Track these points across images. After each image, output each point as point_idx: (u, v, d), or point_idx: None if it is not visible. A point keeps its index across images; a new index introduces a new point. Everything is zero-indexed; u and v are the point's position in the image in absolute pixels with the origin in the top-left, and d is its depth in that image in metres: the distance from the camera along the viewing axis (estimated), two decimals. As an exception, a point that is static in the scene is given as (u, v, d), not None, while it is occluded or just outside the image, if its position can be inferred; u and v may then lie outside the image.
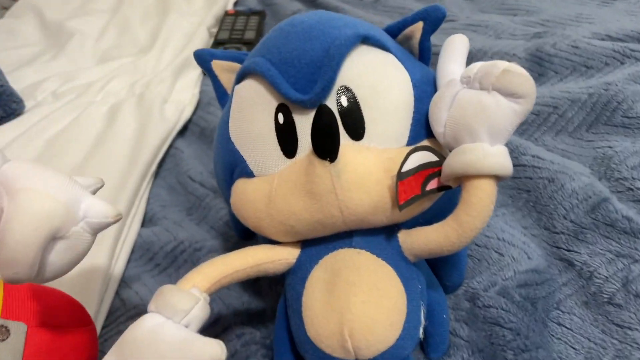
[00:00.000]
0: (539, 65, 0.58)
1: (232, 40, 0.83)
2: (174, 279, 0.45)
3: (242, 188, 0.32)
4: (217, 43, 0.82)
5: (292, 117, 0.30)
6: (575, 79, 0.55)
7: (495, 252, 0.39)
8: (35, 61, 0.76)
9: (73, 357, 0.34)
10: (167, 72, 0.70)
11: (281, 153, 0.31)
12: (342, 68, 0.30)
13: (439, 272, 0.37)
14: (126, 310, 0.42)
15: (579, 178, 0.41)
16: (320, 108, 0.27)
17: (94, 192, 0.30)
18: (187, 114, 0.65)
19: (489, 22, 0.70)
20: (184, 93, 0.68)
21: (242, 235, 0.46)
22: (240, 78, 0.33)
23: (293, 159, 0.30)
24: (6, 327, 0.31)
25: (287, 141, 0.30)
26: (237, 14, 0.92)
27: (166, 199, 0.54)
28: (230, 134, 0.33)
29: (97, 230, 0.28)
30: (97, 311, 0.42)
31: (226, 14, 0.91)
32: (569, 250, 0.38)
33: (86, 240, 0.28)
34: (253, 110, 0.32)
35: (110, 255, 0.45)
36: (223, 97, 0.37)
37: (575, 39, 0.58)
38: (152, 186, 0.56)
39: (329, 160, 0.28)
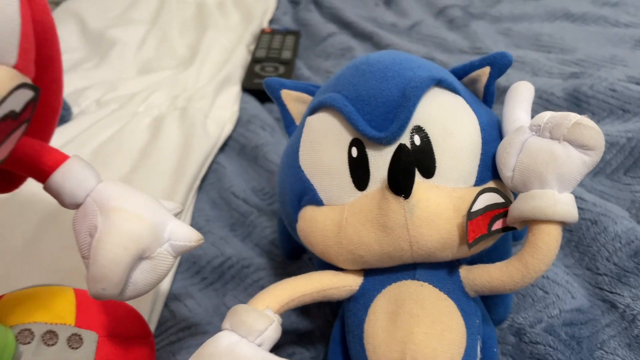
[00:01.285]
0: (577, 106, 0.59)
1: (269, 59, 0.85)
2: (220, 295, 0.46)
3: (311, 215, 0.34)
4: (255, 61, 0.84)
5: (365, 152, 0.32)
6: (612, 121, 0.57)
7: (540, 289, 0.40)
8: (78, 68, 0.78)
9: (136, 368, 0.35)
10: (208, 88, 0.72)
11: (352, 185, 0.32)
12: (416, 108, 0.31)
13: (486, 305, 0.38)
14: (176, 322, 0.43)
15: (621, 222, 0.43)
16: (400, 148, 0.29)
17: (176, 217, 0.32)
18: (227, 130, 0.67)
19: (525, 59, 0.72)
20: (224, 110, 0.70)
21: (289, 255, 0.47)
22: (313, 110, 0.35)
23: (364, 192, 0.32)
24: (80, 336, 0.32)
25: (359, 174, 0.32)
26: (273, 32, 0.94)
27: (210, 213, 0.56)
28: (300, 163, 0.35)
29: (179, 252, 0.29)
30: (148, 322, 0.43)
31: (262, 32, 0.93)
32: (611, 292, 0.40)
33: (169, 261, 0.29)
34: (326, 142, 0.33)
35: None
36: (291, 125, 0.39)
37: (612, 82, 0.60)
38: (196, 200, 0.57)
39: (403, 197, 0.29)
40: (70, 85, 0.73)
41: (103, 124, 0.64)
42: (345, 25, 0.96)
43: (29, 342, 0.30)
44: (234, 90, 0.75)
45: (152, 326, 0.43)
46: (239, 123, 0.70)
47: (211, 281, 0.47)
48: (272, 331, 0.30)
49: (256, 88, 0.78)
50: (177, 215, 0.33)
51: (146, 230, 0.28)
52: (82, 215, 0.28)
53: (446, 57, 0.79)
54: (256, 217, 0.53)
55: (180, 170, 0.57)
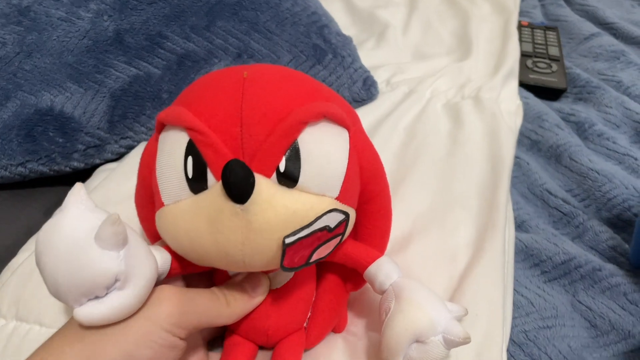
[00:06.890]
0: None
1: (537, 54, 0.84)
2: (570, 290, 0.48)
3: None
4: (523, 55, 0.84)
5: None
6: None
7: None
8: (360, 46, 0.83)
9: None
10: (496, 79, 0.73)
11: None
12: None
13: None
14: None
15: None
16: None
17: (458, 319, 0.36)
18: (518, 124, 0.68)
19: None
20: (509, 103, 0.71)
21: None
22: None
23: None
24: None
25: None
26: (531, 26, 0.93)
27: (528, 209, 0.57)
28: None
29: (449, 345, 0.33)
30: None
31: (520, 25, 0.93)
32: None
33: (440, 351, 0.33)
34: None
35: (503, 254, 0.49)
36: None
37: None
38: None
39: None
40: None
41: (406, 105, 0.68)
42: (606, 27, 0.93)
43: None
44: (514, 84, 0.75)
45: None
46: (525, 118, 0.71)
47: (555, 276, 0.49)
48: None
49: (533, 84, 0.78)
50: (460, 318, 0.37)
51: (424, 319, 0.33)
52: (383, 299, 0.36)
53: None
54: (586, 220, 0.54)
55: (496, 160, 0.59)
